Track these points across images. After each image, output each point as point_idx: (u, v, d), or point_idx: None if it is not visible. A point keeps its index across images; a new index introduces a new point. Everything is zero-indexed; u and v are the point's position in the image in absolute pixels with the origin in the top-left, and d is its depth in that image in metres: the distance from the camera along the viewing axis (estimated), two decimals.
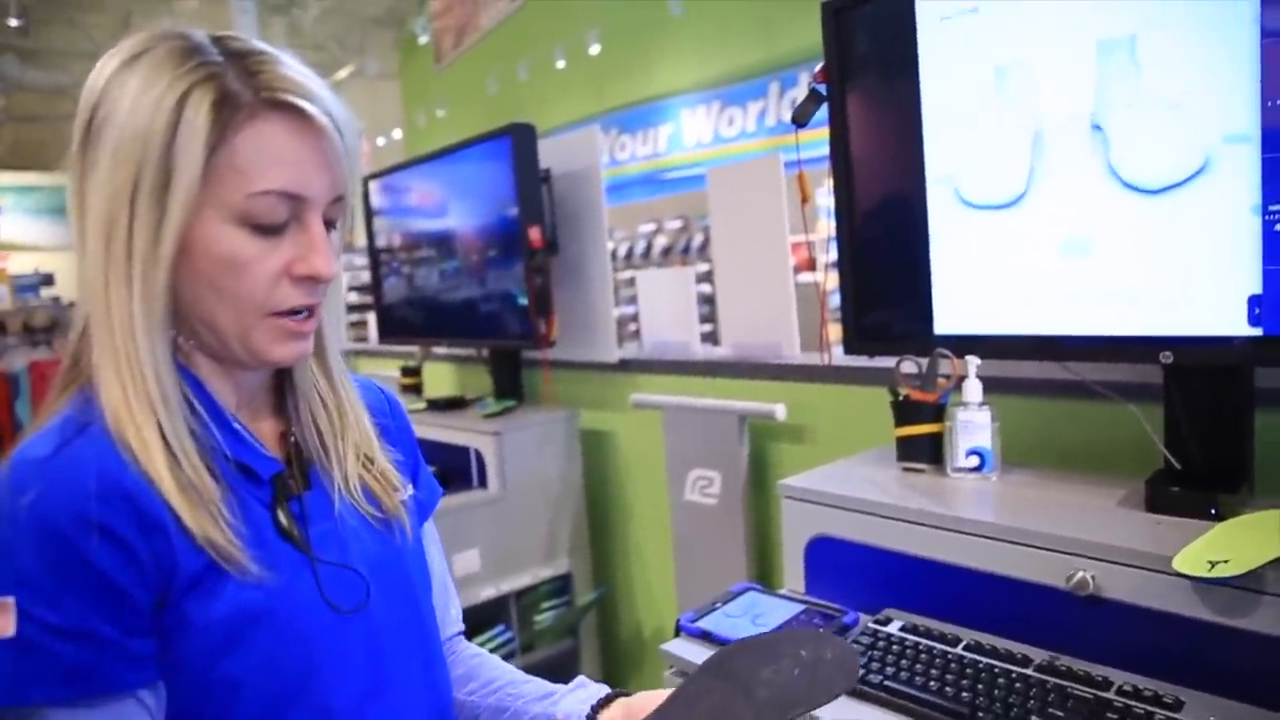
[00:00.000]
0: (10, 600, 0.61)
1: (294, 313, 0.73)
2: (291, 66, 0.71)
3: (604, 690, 0.86)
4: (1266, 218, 1.01)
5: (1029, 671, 1.03)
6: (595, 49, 3.98)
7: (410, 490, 0.89)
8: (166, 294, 0.69)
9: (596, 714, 0.83)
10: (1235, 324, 1.06)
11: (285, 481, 0.77)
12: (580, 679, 0.89)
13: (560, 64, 4.14)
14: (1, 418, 6.31)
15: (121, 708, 0.65)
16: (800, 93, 1.35)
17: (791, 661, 0.72)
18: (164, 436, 0.67)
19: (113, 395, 0.68)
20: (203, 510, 0.67)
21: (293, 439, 0.81)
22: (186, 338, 0.74)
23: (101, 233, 0.68)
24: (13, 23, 6.33)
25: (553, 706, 0.86)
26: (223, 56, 0.69)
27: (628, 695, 0.85)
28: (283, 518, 0.75)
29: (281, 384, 0.83)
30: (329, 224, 0.74)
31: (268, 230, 0.70)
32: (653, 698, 0.79)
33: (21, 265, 9.01)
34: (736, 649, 0.75)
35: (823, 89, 1.42)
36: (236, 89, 0.68)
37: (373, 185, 3.16)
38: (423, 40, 5.13)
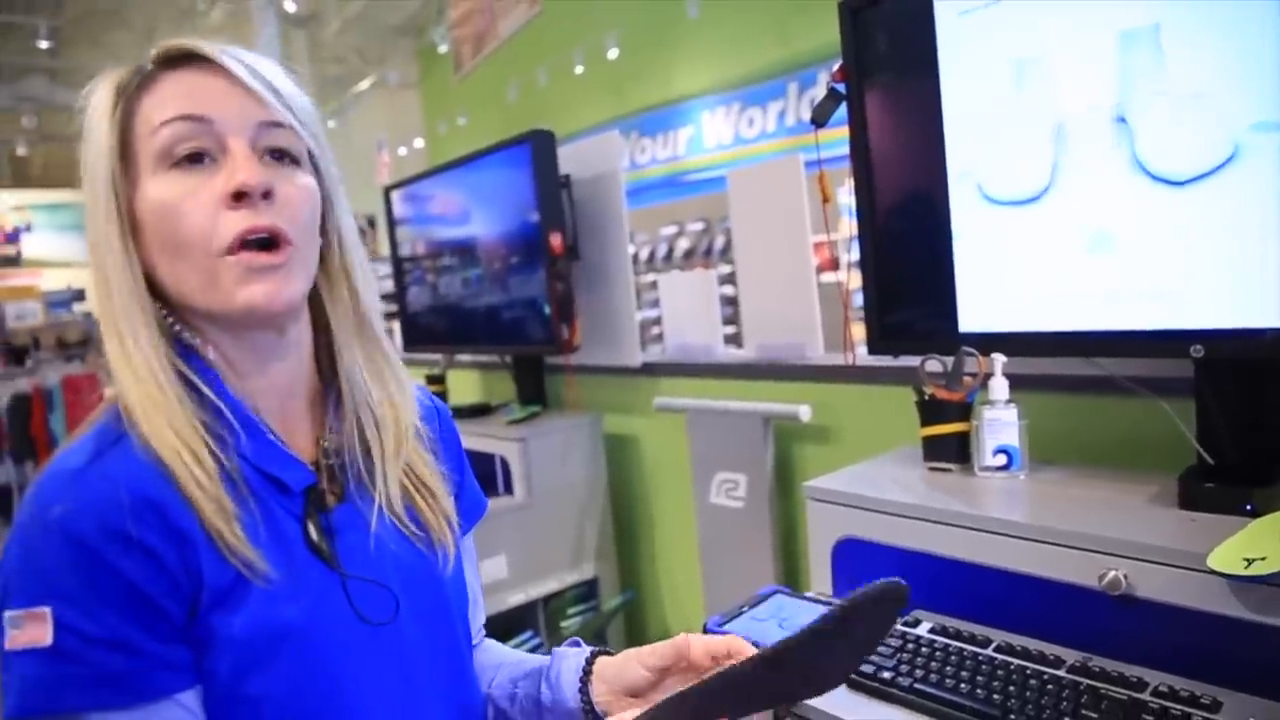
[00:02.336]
0: (46, 610, 0.62)
1: (249, 246, 0.71)
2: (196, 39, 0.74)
3: (585, 655, 0.86)
4: None
5: (1061, 673, 1.01)
6: (614, 53, 3.98)
7: (453, 505, 0.87)
8: (140, 276, 0.72)
9: (587, 685, 0.83)
10: (1267, 316, 1.03)
11: (319, 493, 0.77)
12: (557, 651, 0.88)
13: (579, 69, 4.14)
14: (38, 431, 6.42)
15: (164, 711, 0.65)
16: (819, 92, 1.34)
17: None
18: (186, 444, 0.68)
19: (133, 404, 0.69)
20: (226, 522, 0.68)
21: (326, 444, 0.80)
22: (193, 335, 0.74)
23: (90, 229, 0.73)
24: (42, 44, 6.43)
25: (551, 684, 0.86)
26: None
27: (610, 654, 0.85)
28: (313, 532, 0.74)
29: (329, 389, 0.82)
30: (278, 153, 0.74)
31: (189, 164, 0.71)
32: (628, 660, 0.82)
33: (54, 282, 9.17)
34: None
35: (841, 88, 1.42)
36: (133, 68, 0.73)
37: (395, 195, 3.18)
38: (442, 49, 5.16)
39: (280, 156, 0.74)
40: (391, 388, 0.83)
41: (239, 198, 0.70)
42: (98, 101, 0.72)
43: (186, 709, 0.67)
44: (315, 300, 0.81)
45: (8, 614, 0.63)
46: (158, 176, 0.71)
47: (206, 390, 0.72)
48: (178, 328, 0.74)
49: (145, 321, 0.71)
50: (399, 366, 0.85)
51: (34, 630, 0.62)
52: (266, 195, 0.71)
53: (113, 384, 0.72)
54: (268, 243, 0.72)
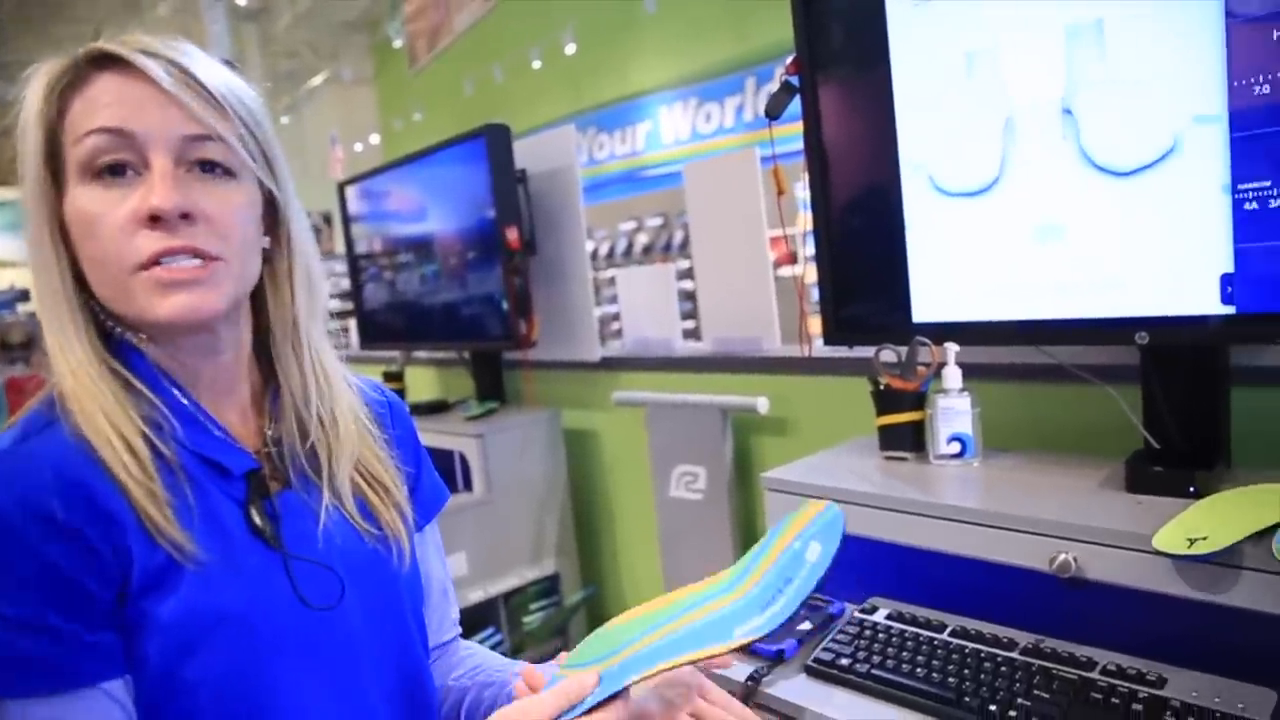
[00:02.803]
0: None
1: (160, 261, 0.69)
2: (133, 35, 0.72)
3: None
4: (1236, 196, 1.02)
5: (1014, 655, 1.03)
6: (571, 48, 3.97)
7: (407, 500, 0.87)
8: (70, 279, 0.71)
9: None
10: (1209, 303, 1.06)
11: (260, 478, 0.76)
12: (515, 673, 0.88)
13: (536, 64, 4.13)
14: None
15: (88, 702, 0.64)
16: (776, 87, 1.36)
17: None
18: (116, 429, 0.67)
19: (67, 393, 0.69)
20: (156, 505, 0.67)
21: (269, 433, 0.80)
22: (129, 332, 0.73)
23: (25, 229, 0.72)
24: None
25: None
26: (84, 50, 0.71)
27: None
28: (255, 514, 0.74)
29: (271, 382, 0.82)
30: (210, 166, 0.72)
31: (111, 177, 0.69)
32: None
33: None
34: None
35: (795, 80, 1.42)
36: (67, 64, 0.71)
37: (349, 191, 3.14)
38: (397, 44, 5.10)
39: (211, 168, 0.72)
40: (326, 387, 0.82)
41: (154, 220, 0.69)
42: (31, 99, 0.71)
43: (113, 699, 0.65)
44: (260, 296, 0.81)
45: None
46: (81, 186, 0.70)
47: (142, 386, 0.71)
48: (115, 326, 0.73)
49: (75, 322, 0.71)
50: (336, 367, 0.85)
51: None
52: (185, 216, 0.70)
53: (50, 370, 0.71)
54: (174, 256, 0.70)
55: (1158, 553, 0.96)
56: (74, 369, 0.69)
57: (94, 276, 0.71)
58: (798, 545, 0.78)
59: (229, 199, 0.73)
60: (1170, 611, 0.99)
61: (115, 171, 0.69)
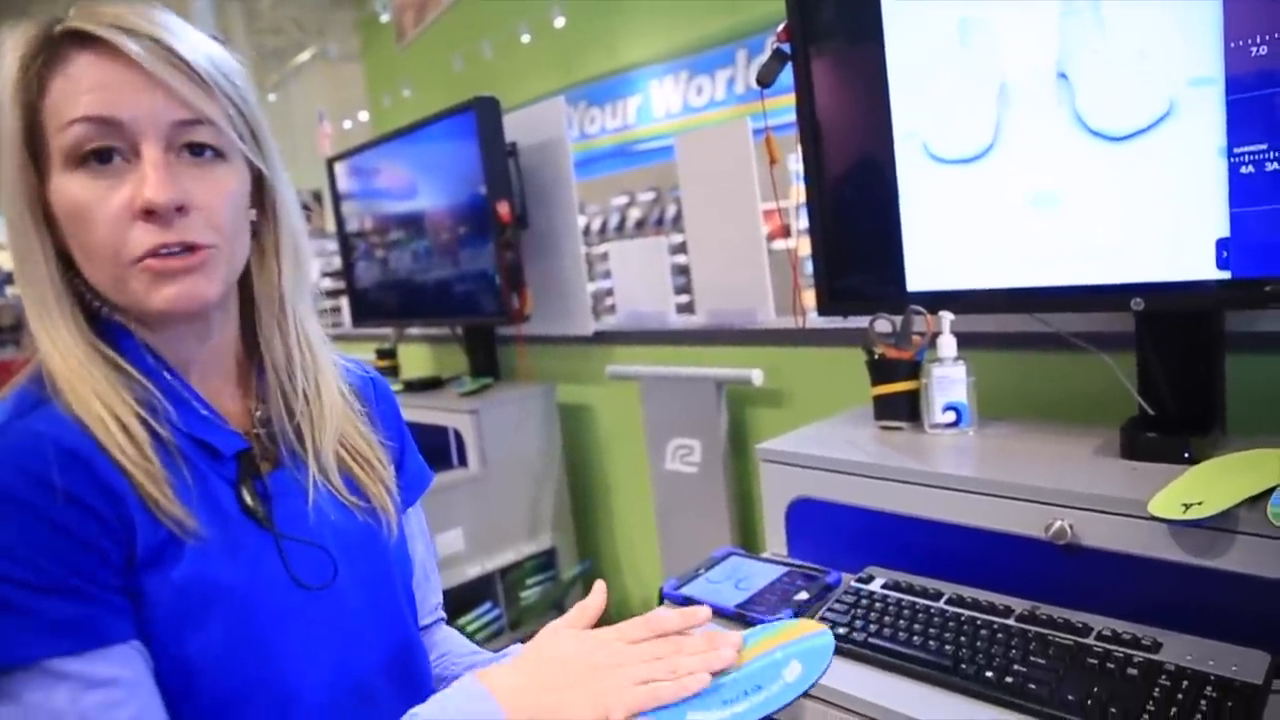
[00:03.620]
0: None
1: (158, 255, 0.69)
2: (111, 5, 0.69)
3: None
4: (1232, 160, 1.01)
5: (1010, 622, 1.03)
6: (560, 22, 3.92)
7: (393, 475, 0.87)
8: (54, 264, 0.70)
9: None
10: (1204, 268, 1.06)
11: (251, 458, 0.76)
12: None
13: (525, 38, 4.08)
14: None
15: (118, 657, 0.64)
16: (767, 57, 1.35)
17: None
18: (110, 411, 0.67)
19: (54, 370, 0.68)
20: (156, 484, 0.67)
21: (258, 413, 0.80)
22: (117, 313, 0.72)
23: (4, 212, 0.70)
24: None
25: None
26: (60, 19, 0.68)
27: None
28: (246, 495, 0.74)
29: (255, 358, 0.82)
30: (200, 149, 0.71)
31: (99, 165, 0.68)
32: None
33: None
34: None
35: (786, 48, 1.41)
36: (42, 36, 0.68)
37: (338, 168, 3.12)
38: (384, 19, 5.04)
39: (200, 151, 0.71)
40: (310, 361, 0.82)
41: (149, 214, 0.68)
42: (4, 74, 0.68)
43: (139, 654, 0.65)
44: (246, 273, 0.80)
45: None
46: (67, 173, 0.68)
47: (131, 368, 0.71)
48: (101, 307, 0.73)
49: (60, 305, 0.70)
50: (319, 341, 0.84)
51: None
52: (179, 209, 0.69)
53: (34, 347, 0.70)
54: (169, 249, 0.69)
55: (1153, 518, 0.96)
56: (62, 352, 0.69)
57: (84, 264, 0.70)
58: (779, 656, 0.75)
59: (220, 185, 0.72)
60: (1165, 576, 0.99)
61: (102, 158, 0.68)
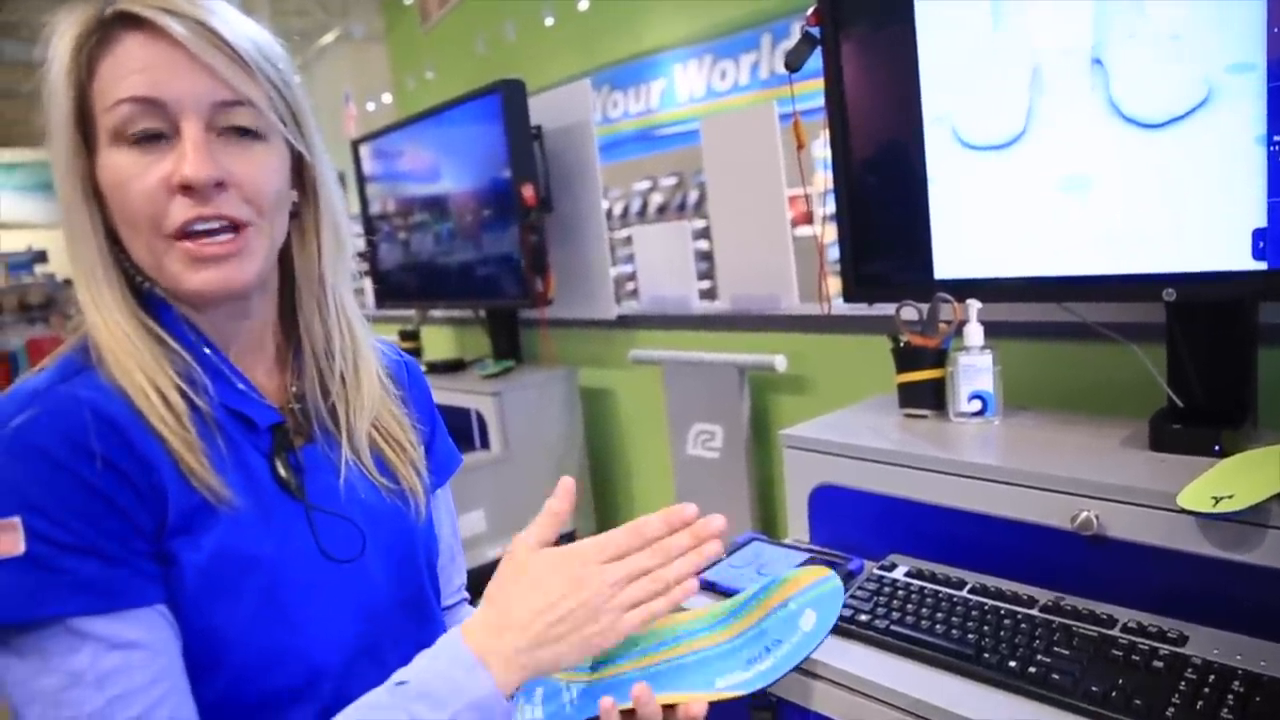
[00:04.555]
0: (16, 520, 0.62)
1: (193, 235, 0.70)
2: None
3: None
4: (1272, 148, 0.99)
5: (1034, 612, 1.03)
6: (584, 4, 3.90)
7: (423, 457, 0.89)
8: (103, 239, 0.72)
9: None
10: (1239, 258, 1.04)
11: (285, 432, 0.78)
12: None
13: (549, 20, 4.06)
14: None
15: (145, 619, 0.65)
16: (792, 44, 1.32)
17: None
18: (152, 382, 0.69)
19: (100, 341, 0.70)
20: (192, 452, 0.68)
21: (293, 390, 0.81)
22: (145, 281, 0.74)
23: (56, 189, 0.71)
24: None
25: None
26: (111, 1, 0.70)
27: None
28: (280, 466, 0.76)
29: (294, 337, 0.83)
30: (241, 130, 0.72)
31: (144, 144, 0.69)
32: None
33: (14, 243, 8.95)
34: None
35: (816, 32, 1.39)
36: (94, 18, 0.69)
37: (363, 150, 3.12)
38: (408, 1, 5.04)
39: (241, 133, 0.73)
40: (349, 342, 0.83)
41: (186, 189, 0.69)
42: (58, 58, 0.70)
43: (165, 619, 0.67)
44: (287, 251, 0.81)
45: None
46: (113, 150, 0.70)
47: (173, 342, 0.72)
48: (144, 282, 0.74)
49: (108, 278, 0.72)
50: (359, 323, 0.86)
51: (6, 540, 0.62)
52: (217, 185, 0.70)
53: (82, 318, 0.72)
54: (208, 230, 0.71)
55: (1182, 510, 0.95)
56: (108, 323, 0.70)
57: (127, 238, 0.72)
58: (793, 607, 0.76)
59: (259, 162, 0.73)
60: (1192, 569, 0.98)
61: (148, 139, 0.70)
